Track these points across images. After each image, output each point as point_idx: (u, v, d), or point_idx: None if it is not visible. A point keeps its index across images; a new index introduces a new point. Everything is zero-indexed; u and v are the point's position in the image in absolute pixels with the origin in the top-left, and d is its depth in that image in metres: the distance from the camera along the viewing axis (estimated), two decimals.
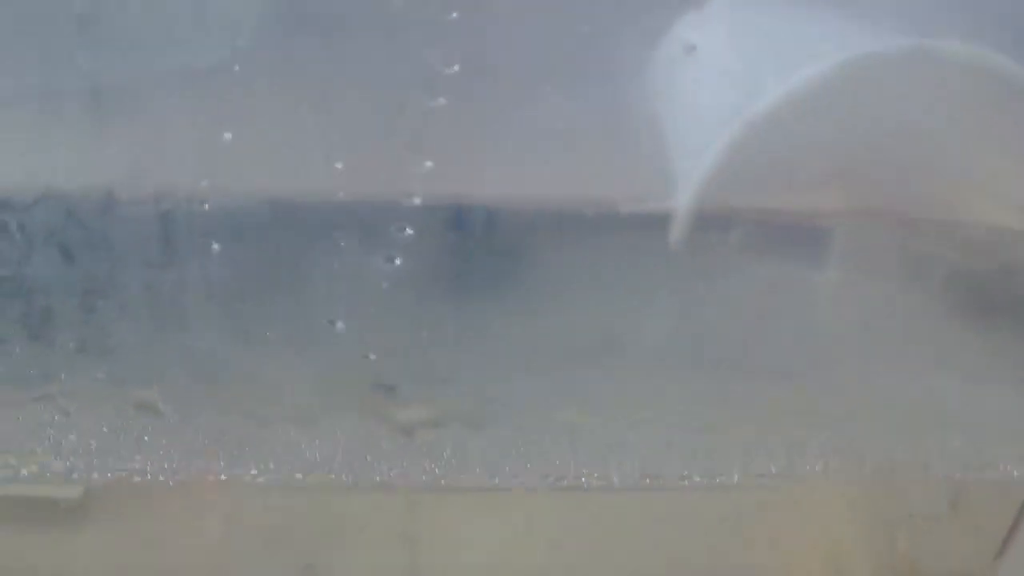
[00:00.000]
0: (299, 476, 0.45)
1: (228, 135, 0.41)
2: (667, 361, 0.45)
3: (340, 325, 0.43)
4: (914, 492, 0.52)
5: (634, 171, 0.43)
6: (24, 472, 0.46)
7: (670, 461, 0.46)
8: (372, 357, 0.44)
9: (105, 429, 0.45)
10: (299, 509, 0.51)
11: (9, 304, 0.43)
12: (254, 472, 0.45)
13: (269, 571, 0.52)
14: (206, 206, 0.42)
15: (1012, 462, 0.48)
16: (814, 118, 0.42)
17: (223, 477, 0.45)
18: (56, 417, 0.45)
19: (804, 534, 0.53)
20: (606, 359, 0.45)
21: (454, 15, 0.40)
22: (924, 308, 0.47)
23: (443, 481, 0.45)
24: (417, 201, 0.42)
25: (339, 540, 0.51)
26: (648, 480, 0.46)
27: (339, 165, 0.41)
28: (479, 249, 0.43)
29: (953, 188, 0.45)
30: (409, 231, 0.42)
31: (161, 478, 0.45)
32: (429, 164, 0.41)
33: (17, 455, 0.45)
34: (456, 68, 0.40)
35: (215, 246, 0.42)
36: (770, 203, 0.44)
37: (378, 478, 0.45)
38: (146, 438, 0.45)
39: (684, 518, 0.51)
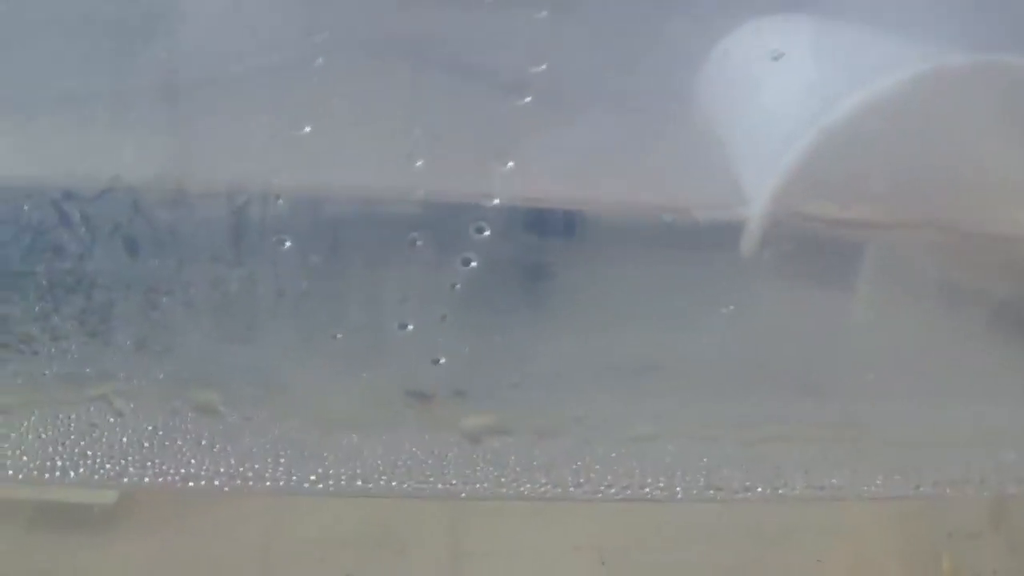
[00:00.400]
0: (359, 484, 0.44)
1: (307, 129, 0.40)
2: (735, 372, 0.45)
3: (411, 327, 0.42)
4: (954, 510, 0.52)
5: (709, 177, 0.43)
6: (72, 475, 0.44)
7: (733, 472, 0.46)
8: (442, 361, 0.43)
9: (160, 431, 0.44)
10: (342, 516, 0.50)
11: (69, 299, 0.42)
12: (313, 478, 0.44)
13: None
14: (280, 202, 0.41)
15: None
16: (887, 128, 0.42)
17: (280, 484, 0.44)
18: (110, 418, 0.44)
19: (845, 552, 0.53)
20: (674, 369, 0.45)
21: (543, 14, 0.40)
22: (983, 324, 0.47)
23: (505, 489, 0.45)
24: (496, 202, 0.41)
25: (382, 549, 0.50)
26: (712, 492, 0.45)
27: (419, 163, 0.41)
28: (555, 253, 0.43)
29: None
30: (486, 232, 0.42)
31: (216, 483, 0.44)
32: (511, 164, 0.41)
33: (66, 456, 0.44)
34: (543, 67, 0.40)
35: (287, 243, 0.42)
36: (842, 212, 0.44)
37: (440, 485, 0.45)
38: (203, 441, 0.44)
39: (731, 532, 0.51)
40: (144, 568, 0.51)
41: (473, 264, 0.42)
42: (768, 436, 0.46)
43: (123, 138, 0.41)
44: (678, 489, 0.46)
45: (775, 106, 0.43)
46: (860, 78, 0.42)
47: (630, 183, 0.43)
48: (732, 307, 0.44)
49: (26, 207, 0.41)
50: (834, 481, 0.47)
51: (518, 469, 0.45)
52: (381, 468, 0.45)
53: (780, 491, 0.46)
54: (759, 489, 0.46)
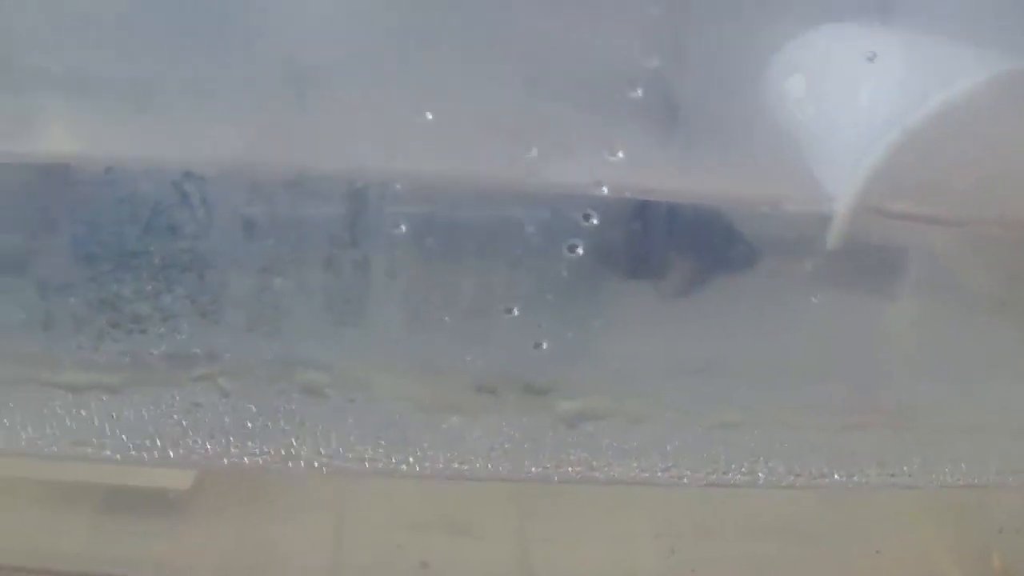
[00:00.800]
0: (456, 466, 0.46)
1: (428, 115, 0.42)
2: (817, 362, 0.47)
3: (516, 312, 0.44)
4: (1004, 506, 0.55)
5: (793, 172, 0.46)
6: (171, 455, 0.45)
7: (813, 460, 0.48)
8: (544, 346, 0.45)
9: (264, 412, 0.45)
10: (415, 503, 0.52)
11: (181, 278, 0.44)
12: (411, 460, 0.46)
13: (383, 568, 0.52)
14: (398, 187, 0.43)
15: None
16: (967, 128, 0.45)
17: (379, 466, 0.46)
18: (214, 398, 0.45)
19: (902, 544, 0.55)
20: (760, 358, 0.47)
21: (655, 10, 0.42)
22: None
23: (598, 473, 0.46)
24: (605, 191, 0.43)
25: (454, 535, 0.52)
26: (793, 478, 0.47)
27: (534, 152, 0.43)
28: (657, 243, 0.45)
29: None
30: (594, 221, 0.43)
31: (316, 465, 0.46)
32: (621, 155, 0.43)
33: (167, 436, 0.45)
34: (656, 62, 0.42)
35: (402, 228, 0.43)
36: (925, 209, 0.46)
37: (534, 469, 0.46)
38: (306, 422, 0.45)
39: (795, 524, 0.53)
40: (217, 553, 0.52)
41: (579, 251, 0.43)
42: (846, 425, 0.48)
43: (245, 121, 0.42)
44: (760, 475, 0.48)
45: (858, 105, 0.46)
46: (941, 80, 0.45)
47: (724, 176, 0.45)
48: (816, 299, 0.46)
49: (144, 186, 0.43)
50: (905, 468, 0.49)
51: (609, 454, 0.47)
52: (479, 451, 0.46)
53: (855, 478, 0.48)
54: (836, 476, 0.48)
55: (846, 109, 0.46)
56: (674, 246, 0.45)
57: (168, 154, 0.43)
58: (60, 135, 0.43)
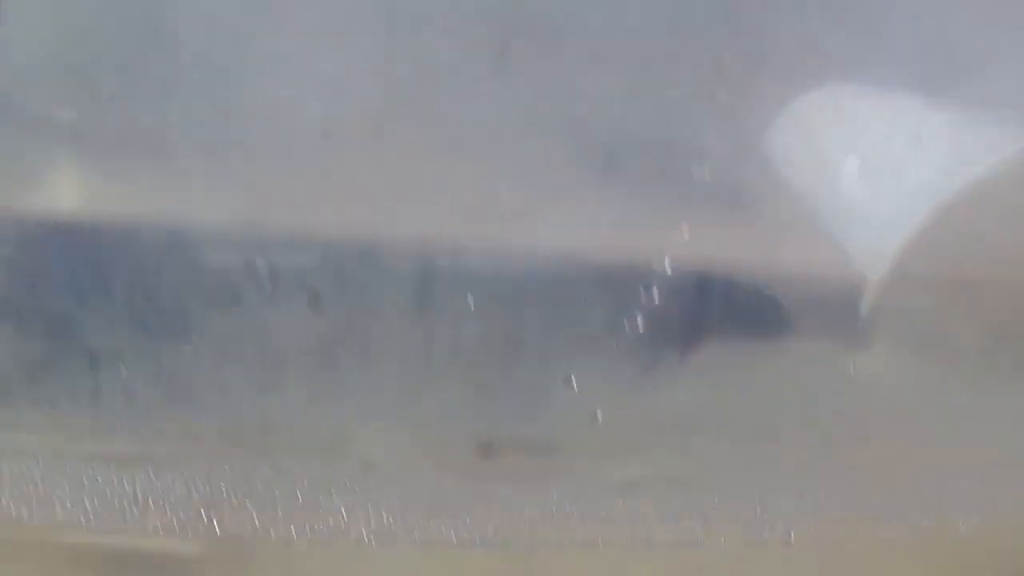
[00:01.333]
0: (506, 535, 0.47)
1: (504, 189, 0.43)
2: (855, 428, 0.50)
3: (574, 383, 0.45)
4: (999, 543, 0.58)
5: (841, 242, 0.48)
6: (217, 529, 0.45)
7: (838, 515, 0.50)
8: (599, 418, 0.46)
9: (316, 485, 0.45)
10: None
11: (242, 351, 0.43)
12: (462, 530, 0.46)
13: None
14: (467, 258, 0.43)
15: None
16: (1002, 199, 0.48)
17: (430, 537, 0.46)
18: (268, 471, 0.45)
19: None
20: (801, 423, 0.49)
21: (723, 94, 0.44)
22: None
23: (645, 537, 0.48)
24: (668, 266, 0.45)
25: None
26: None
27: (604, 226, 0.44)
28: (714, 314, 0.46)
29: None
30: (656, 294, 0.45)
31: (365, 537, 0.46)
32: (686, 230, 0.45)
33: (213, 508, 0.45)
34: (727, 147, 0.44)
35: (469, 299, 0.44)
36: (965, 275, 0.49)
37: (581, 535, 0.48)
38: (359, 495, 0.45)
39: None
40: None
41: (639, 324, 0.45)
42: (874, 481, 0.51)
43: (316, 189, 0.43)
44: (792, 534, 0.50)
45: (903, 183, 0.48)
46: (978, 156, 0.48)
47: (776, 250, 0.47)
48: (853, 366, 0.49)
49: (208, 254, 0.42)
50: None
51: (655, 518, 0.48)
52: (526, 518, 0.47)
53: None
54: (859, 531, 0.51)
55: (892, 186, 0.48)
56: (724, 318, 0.47)
57: (237, 222, 0.42)
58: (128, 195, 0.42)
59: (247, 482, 0.45)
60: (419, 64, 0.42)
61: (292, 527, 0.46)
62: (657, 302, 0.45)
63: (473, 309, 0.44)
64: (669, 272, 0.45)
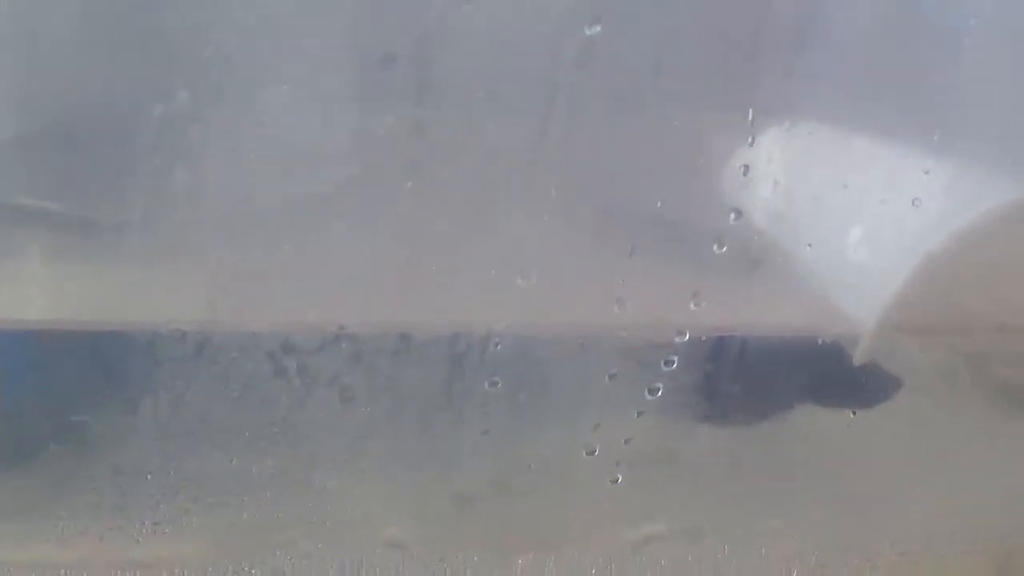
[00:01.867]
0: None
1: (533, 279, 0.44)
2: (868, 471, 0.52)
3: (597, 451, 0.47)
4: (959, 564, 0.62)
5: (839, 301, 0.50)
6: None
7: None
8: (619, 481, 0.48)
9: (346, 570, 0.46)
10: None
11: (271, 449, 0.44)
12: None
13: None
14: (498, 346, 0.44)
15: None
16: (984, 251, 0.50)
17: None
18: (295, 561, 0.46)
19: None
20: (801, 478, 0.52)
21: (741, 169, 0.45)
22: None
23: None
24: (685, 337, 0.46)
25: None
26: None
27: (626, 305, 0.45)
28: (725, 378, 0.48)
29: None
30: (674, 363, 0.47)
31: None
32: (701, 303, 0.46)
33: None
34: (733, 218, 0.45)
35: (498, 384, 0.45)
36: (958, 326, 0.52)
37: None
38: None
39: None
40: None
41: (659, 393, 0.47)
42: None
43: (345, 287, 0.43)
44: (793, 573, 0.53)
45: (902, 242, 0.51)
46: (958, 209, 0.50)
47: (785, 312, 0.49)
48: (855, 414, 0.51)
49: (238, 355, 0.42)
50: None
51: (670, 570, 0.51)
52: None
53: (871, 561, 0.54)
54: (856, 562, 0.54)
55: (890, 248, 0.51)
56: (736, 380, 0.49)
57: (264, 323, 0.42)
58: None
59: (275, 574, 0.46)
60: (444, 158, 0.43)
61: None
62: (675, 369, 0.46)
63: (499, 393, 0.45)
64: (685, 340, 0.46)
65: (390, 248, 0.43)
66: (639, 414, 0.47)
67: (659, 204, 0.45)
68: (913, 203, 0.49)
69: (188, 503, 0.44)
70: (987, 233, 0.50)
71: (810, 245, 0.49)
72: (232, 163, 0.42)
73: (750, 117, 0.45)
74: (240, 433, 0.43)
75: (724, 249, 0.45)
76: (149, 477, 0.43)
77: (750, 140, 0.45)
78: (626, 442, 0.48)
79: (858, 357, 0.51)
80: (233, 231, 0.42)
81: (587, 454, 0.47)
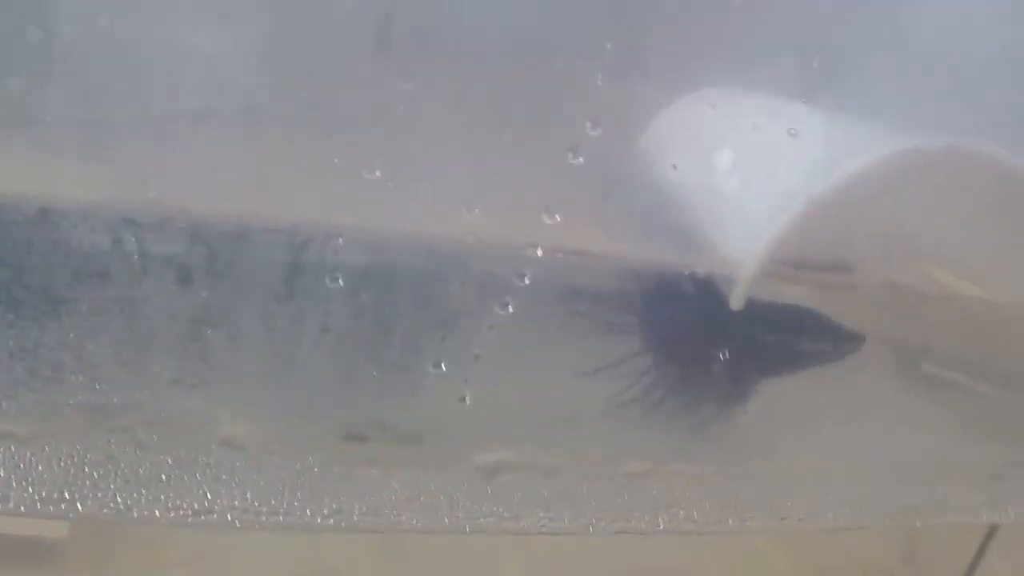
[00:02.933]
0: (371, 519, 0.50)
1: (377, 173, 0.46)
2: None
3: (443, 367, 0.48)
4: (866, 546, 0.63)
5: (712, 238, 0.52)
6: (79, 507, 0.47)
7: (708, 507, 0.54)
8: (467, 401, 0.49)
9: (179, 465, 0.48)
10: (296, 556, 0.55)
11: (108, 326, 0.46)
12: (326, 512, 0.49)
13: None
14: (340, 241, 0.46)
15: (964, 510, 0.61)
16: (867, 200, 0.52)
17: (294, 518, 0.49)
18: (130, 450, 0.47)
19: None
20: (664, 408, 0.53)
21: (599, 82, 0.47)
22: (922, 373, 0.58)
23: (509, 524, 0.51)
24: (538, 252, 0.48)
25: None
26: (690, 524, 0.54)
27: (476, 211, 0.47)
28: (586, 301, 0.50)
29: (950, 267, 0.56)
30: (527, 280, 0.48)
31: (229, 518, 0.48)
32: (558, 218, 0.48)
33: (76, 489, 0.47)
34: (599, 131, 0.47)
35: (340, 282, 0.47)
36: (821, 275, 0.53)
37: (447, 520, 0.51)
38: (224, 476, 0.48)
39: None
40: None
41: (510, 309, 0.48)
42: (736, 474, 0.55)
43: (191, 166, 0.45)
44: (660, 521, 0.54)
45: (776, 178, 0.52)
46: (849, 155, 0.52)
47: (647, 242, 0.51)
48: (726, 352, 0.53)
49: (80, 230, 0.45)
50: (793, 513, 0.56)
51: (523, 505, 0.52)
52: (394, 503, 0.50)
53: (747, 523, 0.55)
54: (729, 522, 0.55)
55: (763, 181, 0.52)
56: (594, 309, 0.50)
57: (108, 198, 0.44)
58: None
59: (110, 461, 0.47)
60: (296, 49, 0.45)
61: (156, 508, 0.48)
62: (528, 287, 0.48)
63: (342, 292, 0.47)
64: (540, 257, 0.48)
65: (234, 133, 0.45)
66: (490, 328, 0.49)
67: (514, 105, 0.47)
68: (789, 133, 0.51)
69: (23, 377, 0.46)
70: (874, 182, 0.52)
71: (674, 166, 0.50)
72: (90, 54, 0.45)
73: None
74: (78, 308, 0.45)
75: (580, 160, 0.47)
76: None
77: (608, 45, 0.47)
78: (476, 358, 0.49)
79: (734, 300, 0.52)
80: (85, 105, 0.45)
81: (433, 367, 0.49)
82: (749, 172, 0.52)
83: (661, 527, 0.54)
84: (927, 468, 0.61)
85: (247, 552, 0.56)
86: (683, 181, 0.51)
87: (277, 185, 0.46)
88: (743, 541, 0.60)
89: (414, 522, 0.51)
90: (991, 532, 0.63)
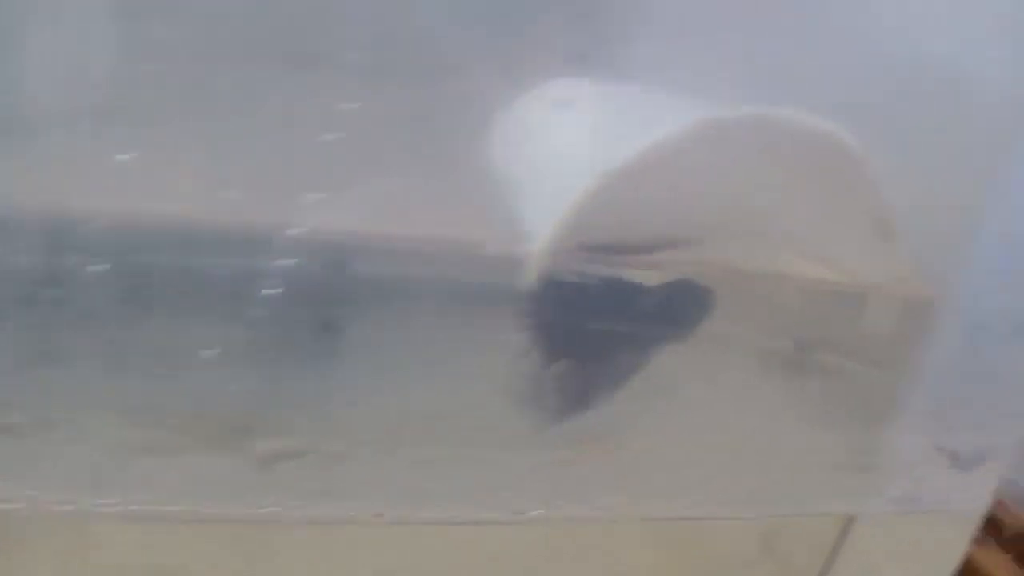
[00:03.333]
0: (156, 508, 0.50)
1: (124, 157, 0.47)
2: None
3: (209, 353, 0.49)
4: (723, 537, 0.62)
5: (502, 215, 0.52)
6: None
7: (522, 494, 0.54)
8: (235, 387, 0.49)
9: None
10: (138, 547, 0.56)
11: None
12: (111, 501, 0.50)
13: None
14: (94, 225, 0.47)
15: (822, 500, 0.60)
16: (663, 174, 0.52)
17: (75, 507, 0.49)
18: None
19: None
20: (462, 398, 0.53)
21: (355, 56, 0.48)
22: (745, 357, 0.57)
23: (298, 513, 0.51)
24: (302, 232, 0.48)
25: None
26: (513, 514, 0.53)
27: (232, 193, 0.48)
28: (354, 284, 0.50)
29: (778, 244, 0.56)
30: (291, 262, 0.48)
31: (8, 506, 0.49)
32: (320, 196, 0.48)
33: None
34: (356, 105, 0.48)
35: (96, 268, 0.47)
36: (618, 252, 0.53)
37: (231, 510, 0.51)
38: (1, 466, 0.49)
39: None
40: None
41: (276, 291, 0.48)
42: (552, 461, 0.54)
43: None
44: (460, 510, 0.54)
45: (561, 154, 0.52)
46: (640, 129, 0.52)
47: (424, 221, 0.51)
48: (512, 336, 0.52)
49: None
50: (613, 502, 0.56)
51: (310, 493, 0.52)
52: (177, 493, 0.51)
53: (562, 510, 0.55)
54: (535, 513, 0.54)
55: (551, 156, 0.52)
56: (368, 292, 0.50)
57: None
58: None
59: None
60: None
61: None
62: (291, 271, 0.48)
63: (99, 278, 0.47)
64: (302, 239, 0.48)
65: None
66: (253, 315, 0.49)
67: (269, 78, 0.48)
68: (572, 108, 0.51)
69: None
70: (674, 154, 0.51)
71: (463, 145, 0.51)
72: None
73: None
74: None
75: (343, 135, 0.48)
76: None
77: None
78: (242, 345, 0.50)
79: (525, 276, 0.52)
80: None
81: (203, 351, 0.49)
82: (537, 150, 0.52)
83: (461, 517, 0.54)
84: (784, 457, 0.60)
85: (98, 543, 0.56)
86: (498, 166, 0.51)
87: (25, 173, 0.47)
88: (600, 532, 0.59)
89: (201, 511, 0.51)
90: (849, 522, 0.62)
